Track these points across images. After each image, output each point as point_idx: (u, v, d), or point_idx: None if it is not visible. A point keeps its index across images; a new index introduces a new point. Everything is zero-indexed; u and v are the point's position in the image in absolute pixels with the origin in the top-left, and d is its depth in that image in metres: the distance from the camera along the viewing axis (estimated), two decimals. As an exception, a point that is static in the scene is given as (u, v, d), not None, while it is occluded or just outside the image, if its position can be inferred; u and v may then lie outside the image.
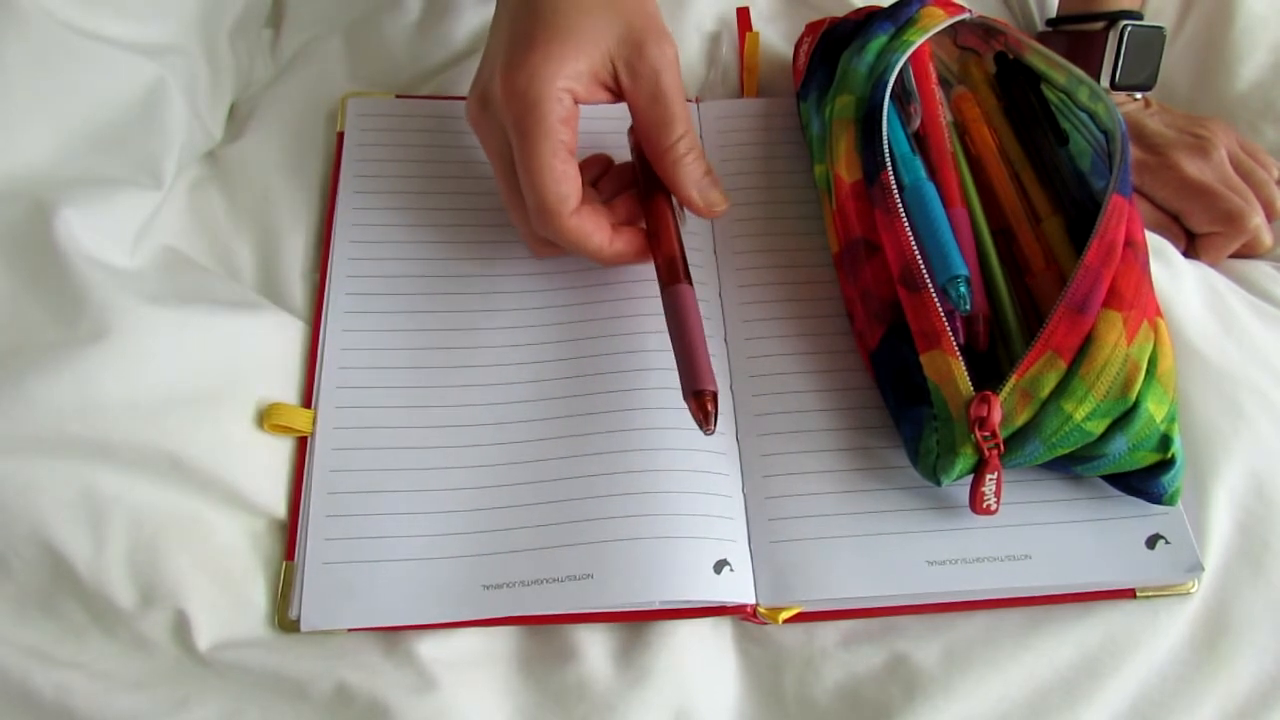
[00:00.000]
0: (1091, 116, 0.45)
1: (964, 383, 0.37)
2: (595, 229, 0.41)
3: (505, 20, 0.42)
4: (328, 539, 0.38)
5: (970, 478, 0.38)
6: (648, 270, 0.46)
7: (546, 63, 0.39)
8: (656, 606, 0.38)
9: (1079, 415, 0.36)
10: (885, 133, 0.42)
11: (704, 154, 0.42)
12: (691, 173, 0.42)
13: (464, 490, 0.40)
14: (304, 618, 0.37)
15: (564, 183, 0.39)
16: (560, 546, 0.38)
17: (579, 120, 0.41)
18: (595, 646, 0.38)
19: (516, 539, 0.39)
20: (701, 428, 0.37)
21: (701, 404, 0.37)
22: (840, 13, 0.54)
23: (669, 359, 0.43)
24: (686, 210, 0.43)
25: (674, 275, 0.40)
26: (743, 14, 0.56)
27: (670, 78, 0.41)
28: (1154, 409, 0.37)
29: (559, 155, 0.39)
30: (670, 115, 0.41)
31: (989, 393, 0.37)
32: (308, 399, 0.42)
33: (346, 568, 0.38)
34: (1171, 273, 0.46)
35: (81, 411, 0.36)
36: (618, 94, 0.42)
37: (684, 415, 0.41)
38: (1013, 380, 0.37)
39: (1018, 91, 0.48)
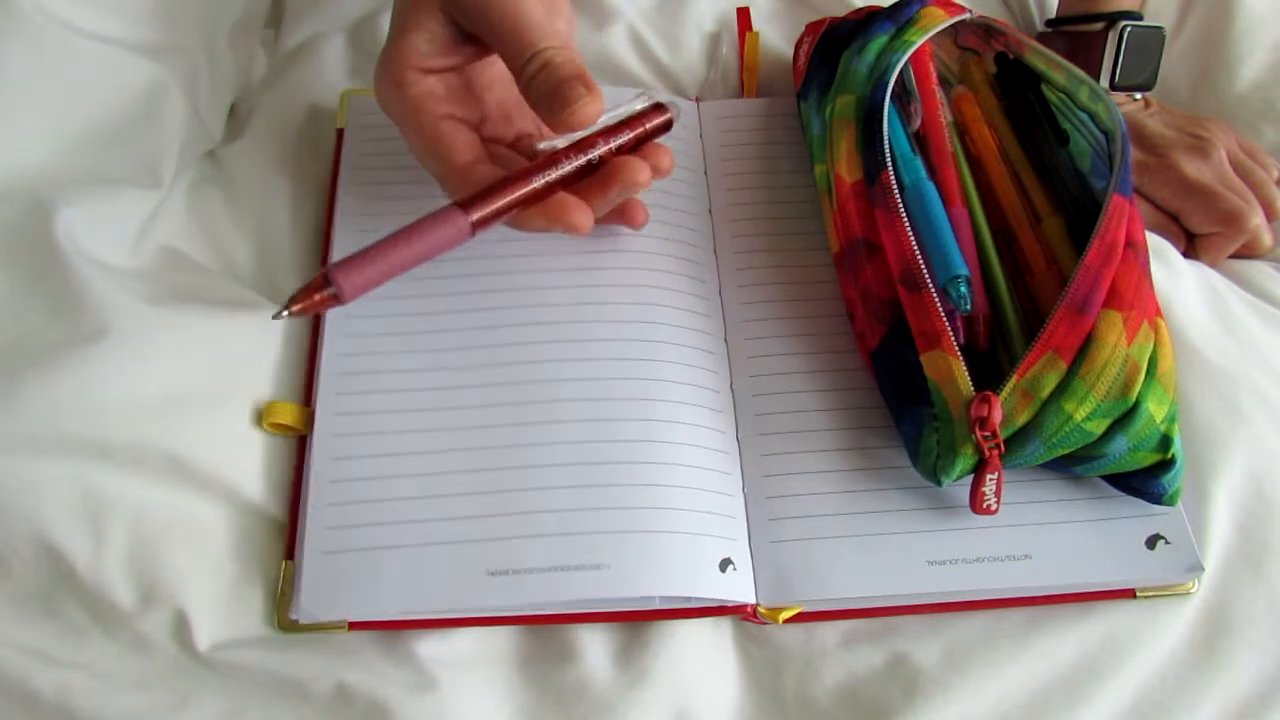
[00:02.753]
0: (1092, 116, 0.45)
1: (964, 383, 0.37)
2: (493, 178, 0.38)
3: None
4: (329, 528, 0.38)
5: (970, 478, 0.38)
6: (656, 263, 0.45)
7: (387, 53, 0.40)
8: (658, 604, 0.38)
9: (1079, 415, 0.36)
10: (886, 133, 0.42)
11: (565, 66, 0.37)
12: (534, 90, 0.38)
13: (467, 474, 0.40)
14: (303, 608, 0.37)
15: (438, 145, 0.39)
16: (565, 535, 0.38)
17: (456, 75, 0.41)
18: (595, 646, 0.38)
19: (521, 525, 0.38)
20: (284, 301, 0.34)
21: (314, 282, 0.33)
22: (840, 13, 0.54)
23: (677, 353, 0.43)
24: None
25: (466, 203, 0.36)
26: (743, 14, 0.56)
27: (500, 13, 0.38)
28: (1154, 409, 0.37)
29: (425, 127, 0.40)
30: (509, 47, 0.38)
31: (989, 393, 0.37)
32: (307, 397, 0.42)
33: (347, 557, 0.38)
34: (1171, 273, 0.46)
35: (81, 411, 0.36)
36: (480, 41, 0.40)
37: (687, 413, 0.41)
38: (1013, 380, 0.37)
39: (1018, 91, 0.48)
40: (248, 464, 0.39)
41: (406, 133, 0.41)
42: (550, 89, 0.37)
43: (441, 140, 0.40)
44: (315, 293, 0.33)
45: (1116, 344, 0.37)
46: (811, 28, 0.53)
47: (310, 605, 0.37)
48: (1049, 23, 0.57)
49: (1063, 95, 0.47)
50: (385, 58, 0.40)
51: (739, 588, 0.38)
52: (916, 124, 0.47)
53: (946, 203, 0.42)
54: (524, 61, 0.38)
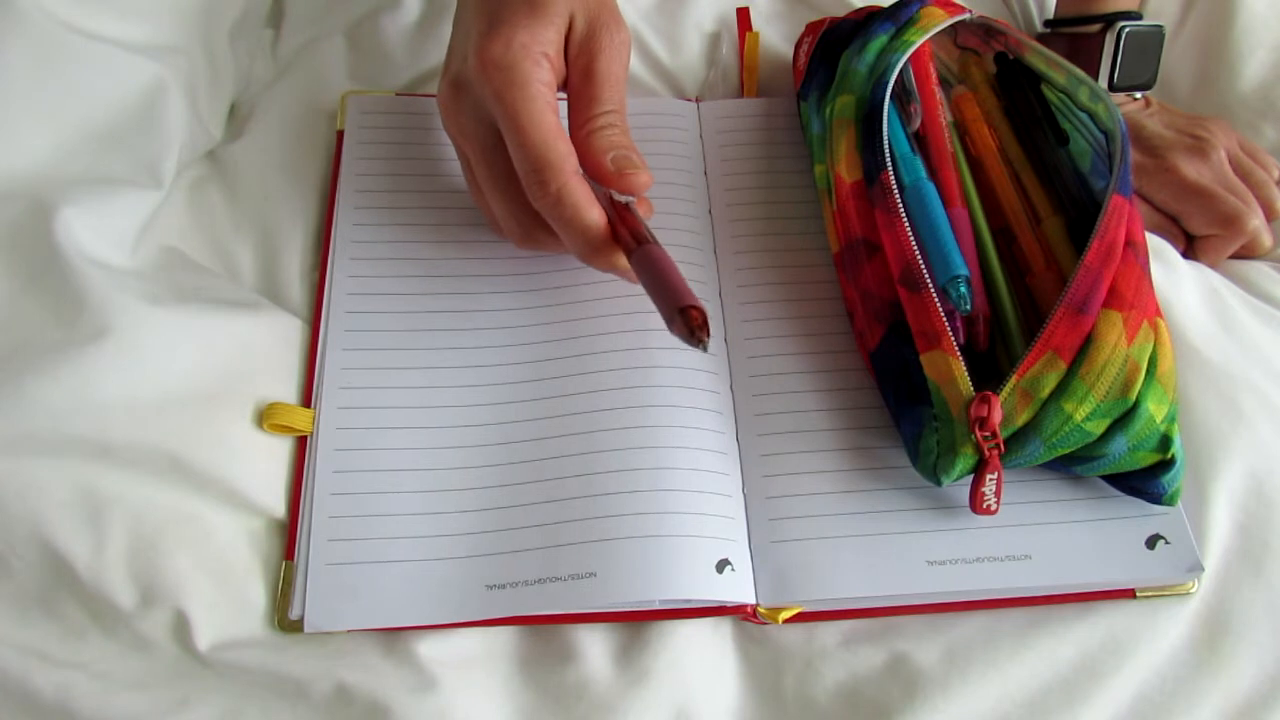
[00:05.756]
0: (1091, 117, 0.45)
1: (964, 383, 0.37)
2: (594, 203, 0.39)
3: (472, 7, 0.42)
4: (330, 540, 0.38)
5: (970, 478, 0.38)
6: None
7: (520, 31, 0.39)
8: (657, 606, 0.38)
9: (1079, 415, 0.36)
10: (885, 133, 0.42)
11: (629, 136, 0.41)
12: (603, 140, 0.40)
13: (466, 490, 0.40)
14: (307, 619, 0.37)
15: (561, 142, 0.38)
16: (563, 545, 0.38)
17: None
18: (595, 646, 0.38)
19: (519, 539, 0.39)
20: (693, 343, 0.34)
21: (690, 319, 0.34)
22: (840, 13, 0.54)
23: (672, 357, 0.43)
24: (624, 193, 0.41)
25: (642, 240, 0.38)
26: (743, 14, 0.56)
27: (607, 62, 0.41)
28: (1154, 409, 0.37)
29: (549, 115, 0.39)
30: (598, 93, 0.40)
31: (989, 393, 0.37)
32: (307, 398, 0.42)
33: (349, 569, 0.38)
34: (1171, 273, 0.46)
35: (81, 411, 0.36)
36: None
37: (687, 414, 0.41)
38: (1013, 380, 0.37)
39: (1018, 92, 0.48)
40: (248, 464, 0.39)
41: (527, 116, 0.38)
42: (613, 148, 0.40)
43: (566, 139, 0.39)
44: (704, 318, 0.34)
45: (1116, 344, 0.37)
46: (811, 28, 0.53)
47: (314, 616, 0.37)
48: (1047, 23, 0.57)
49: (1063, 95, 0.47)
50: (521, 37, 0.39)
51: (737, 588, 0.38)
52: (916, 124, 0.47)
53: (946, 203, 0.42)
54: (600, 110, 0.40)
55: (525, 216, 0.41)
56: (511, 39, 0.39)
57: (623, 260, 0.39)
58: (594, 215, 0.38)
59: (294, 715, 0.36)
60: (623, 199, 0.40)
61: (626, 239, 0.38)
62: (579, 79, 0.41)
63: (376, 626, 0.37)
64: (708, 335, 0.34)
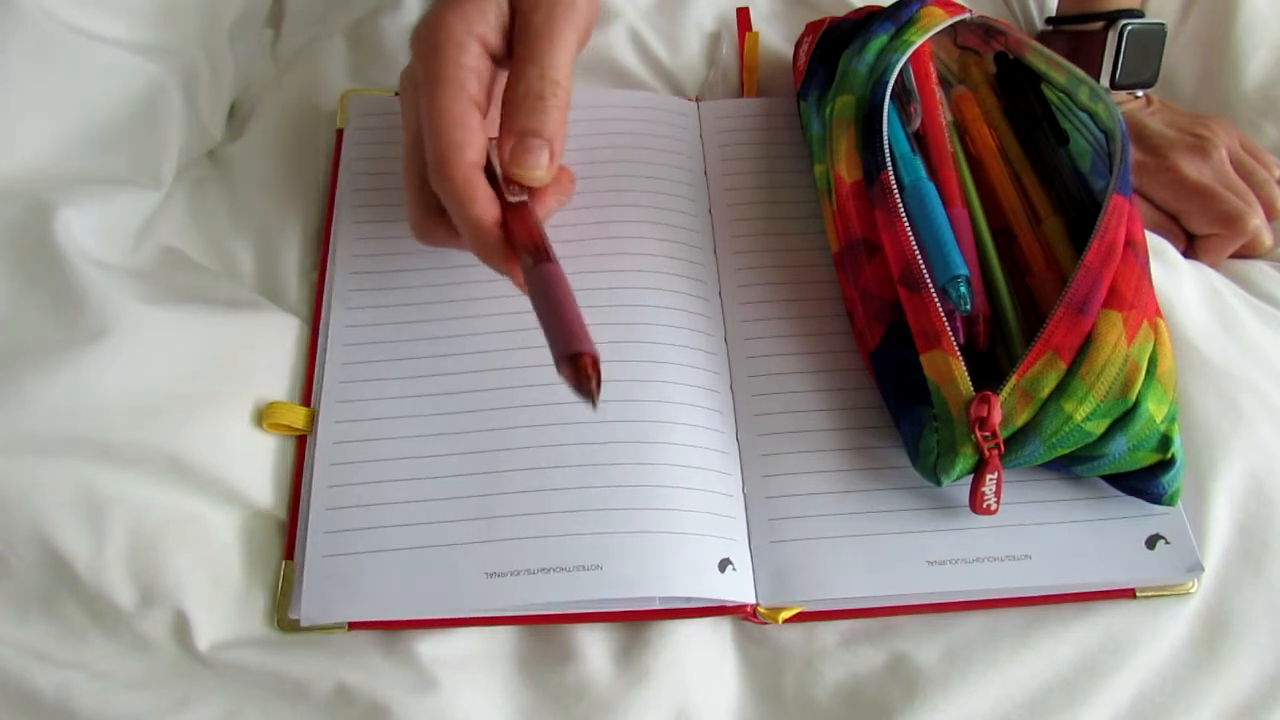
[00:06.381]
0: (1092, 116, 0.45)
1: (964, 383, 0.37)
2: (483, 197, 0.37)
3: None
4: (328, 532, 0.38)
5: (970, 478, 0.38)
6: (656, 264, 0.45)
7: (451, 13, 0.38)
8: (658, 605, 0.38)
9: (1079, 415, 0.36)
10: (886, 133, 0.42)
11: (561, 111, 0.38)
12: (520, 118, 0.37)
13: (466, 477, 0.40)
14: (304, 612, 0.37)
15: (460, 129, 0.37)
16: (565, 536, 0.38)
17: (491, 80, 0.39)
18: (595, 646, 0.38)
19: (518, 527, 0.38)
20: (581, 395, 0.31)
21: (580, 368, 0.31)
22: (840, 13, 0.54)
23: (677, 353, 0.43)
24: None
25: (540, 257, 0.35)
26: (743, 14, 0.56)
27: (544, 17, 0.38)
28: (1154, 409, 0.37)
29: (459, 101, 0.37)
30: (530, 51, 0.38)
31: (989, 393, 0.37)
32: (307, 398, 0.42)
33: (347, 560, 0.38)
34: (1171, 273, 0.46)
35: (81, 411, 0.36)
36: None
37: (687, 413, 0.41)
38: (1013, 380, 0.37)
39: (1018, 91, 0.48)
40: (248, 464, 0.39)
41: (435, 100, 0.37)
42: (522, 132, 0.37)
43: (468, 127, 0.37)
44: (596, 368, 0.32)
45: (1116, 344, 0.37)
46: (811, 27, 0.53)
47: (311, 608, 0.37)
48: (1049, 21, 0.57)
49: (1063, 95, 0.47)
50: (447, 18, 0.38)
51: (738, 588, 0.38)
52: (916, 124, 0.47)
53: (946, 203, 0.42)
54: (529, 72, 0.38)
55: (425, 210, 0.40)
56: (440, 20, 0.38)
57: (519, 270, 0.36)
58: (479, 210, 0.36)
59: (294, 715, 0.36)
60: (515, 199, 0.38)
61: (523, 250, 0.36)
62: (516, 38, 0.39)
63: (375, 619, 0.37)
64: (598, 388, 0.31)
